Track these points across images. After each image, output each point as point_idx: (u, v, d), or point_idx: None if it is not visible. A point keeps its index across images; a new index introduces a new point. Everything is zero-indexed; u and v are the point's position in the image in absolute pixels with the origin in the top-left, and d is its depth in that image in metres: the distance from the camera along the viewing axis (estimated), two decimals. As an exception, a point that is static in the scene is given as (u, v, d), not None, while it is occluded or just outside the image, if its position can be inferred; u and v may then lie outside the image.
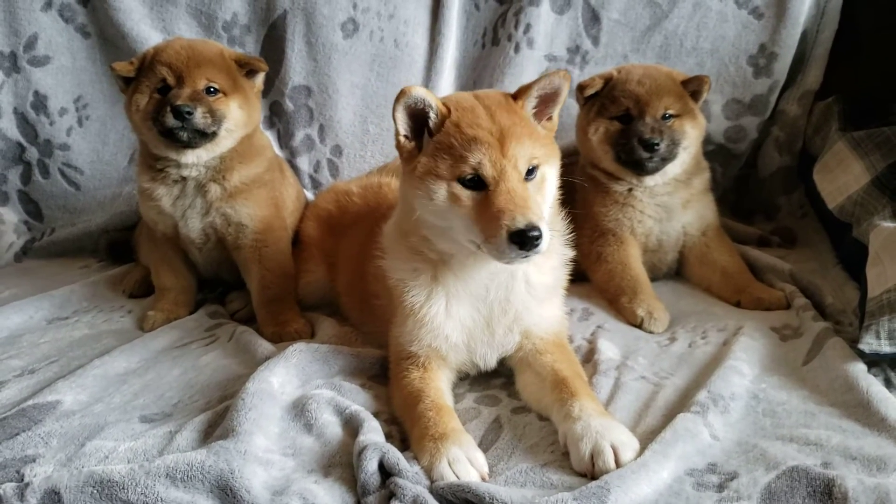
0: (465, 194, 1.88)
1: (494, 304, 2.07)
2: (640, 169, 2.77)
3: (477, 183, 1.88)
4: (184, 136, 2.57)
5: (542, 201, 1.94)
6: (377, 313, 2.34)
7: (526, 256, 1.82)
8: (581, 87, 2.87)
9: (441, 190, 1.91)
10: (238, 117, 2.67)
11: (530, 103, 2.00)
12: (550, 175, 2.00)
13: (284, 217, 2.91)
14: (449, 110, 1.94)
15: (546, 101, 2.04)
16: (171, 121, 2.54)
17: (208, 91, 2.61)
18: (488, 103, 1.96)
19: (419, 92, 1.93)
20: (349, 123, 3.64)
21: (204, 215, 2.76)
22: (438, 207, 1.92)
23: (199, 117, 2.55)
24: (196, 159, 2.67)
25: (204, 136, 2.61)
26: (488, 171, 1.86)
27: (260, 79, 2.82)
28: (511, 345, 2.11)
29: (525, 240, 1.78)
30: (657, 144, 2.69)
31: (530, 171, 1.92)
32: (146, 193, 2.77)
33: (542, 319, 2.12)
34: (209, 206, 2.74)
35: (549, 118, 2.07)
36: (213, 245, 2.84)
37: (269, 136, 3.39)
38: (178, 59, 2.59)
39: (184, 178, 2.72)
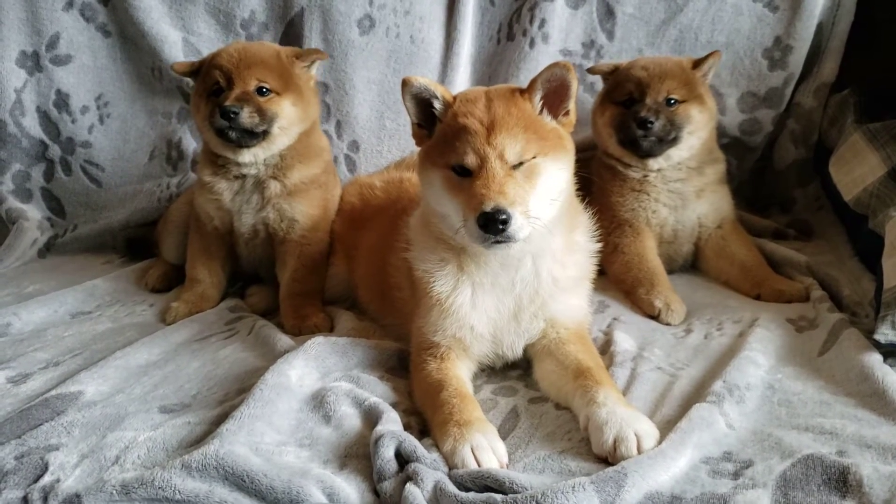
0: (457, 181, 1.92)
1: (522, 296, 2.08)
2: (636, 148, 2.82)
3: (465, 170, 1.91)
4: (233, 135, 2.64)
5: (529, 190, 1.90)
6: (397, 305, 2.37)
7: (498, 242, 1.83)
8: (590, 70, 3.05)
9: (438, 176, 1.96)
10: (291, 115, 2.72)
11: (537, 96, 2.00)
12: (550, 168, 1.95)
13: (329, 219, 2.95)
14: (454, 100, 1.99)
15: (556, 95, 2.01)
16: (219, 121, 2.62)
17: (260, 91, 2.66)
18: (492, 95, 1.98)
19: (421, 82, 2.00)
20: (366, 119, 3.66)
21: (258, 211, 2.82)
22: (436, 194, 1.98)
23: (246, 117, 2.60)
24: (253, 158, 2.74)
25: (254, 136, 2.67)
26: (472, 160, 1.89)
27: (316, 68, 2.87)
28: (536, 331, 2.12)
29: (489, 223, 1.80)
30: (651, 122, 2.73)
31: (520, 163, 1.91)
32: (207, 187, 2.83)
33: (567, 308, 2.13)
34: (265, 203, 2.80)
35: (566, 113, 2.06)
36: (259, 241, 2.90)
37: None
38: (230, 62, 2.66)
39: (243, 175, 2.79)
